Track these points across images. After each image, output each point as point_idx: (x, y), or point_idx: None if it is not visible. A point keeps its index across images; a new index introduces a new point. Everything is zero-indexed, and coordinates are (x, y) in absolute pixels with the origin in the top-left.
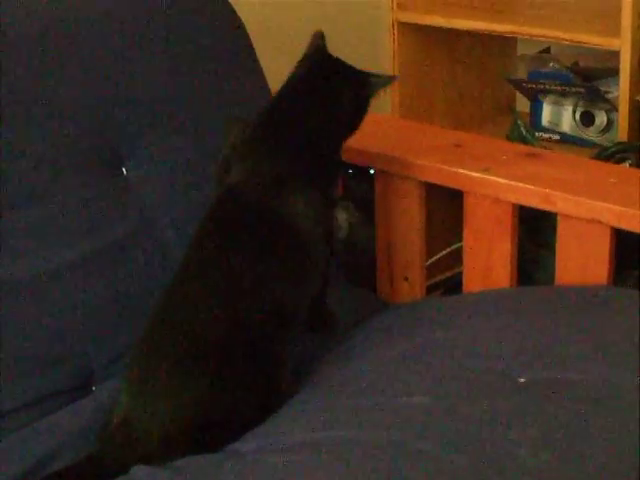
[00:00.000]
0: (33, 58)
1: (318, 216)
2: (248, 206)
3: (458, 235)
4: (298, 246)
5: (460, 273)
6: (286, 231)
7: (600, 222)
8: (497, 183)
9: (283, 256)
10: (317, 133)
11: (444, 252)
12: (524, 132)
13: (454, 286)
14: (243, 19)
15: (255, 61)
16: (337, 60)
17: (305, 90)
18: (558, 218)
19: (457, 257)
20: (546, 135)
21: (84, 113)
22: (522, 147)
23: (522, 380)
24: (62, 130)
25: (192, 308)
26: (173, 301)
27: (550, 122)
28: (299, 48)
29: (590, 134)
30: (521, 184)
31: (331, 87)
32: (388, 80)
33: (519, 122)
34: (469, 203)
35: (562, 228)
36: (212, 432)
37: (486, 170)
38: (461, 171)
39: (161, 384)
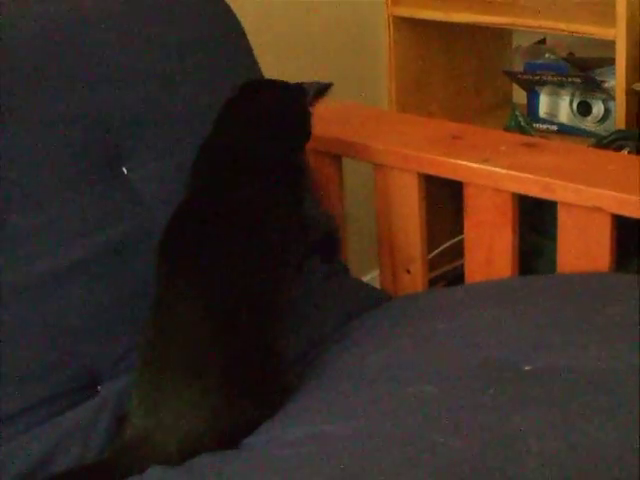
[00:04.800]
0: (31, 59)
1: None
2: (207, 212)
3: (460, 228)
4: (266, 236)
5: (462, 265)
6: (251, 222)
7: (600, 209)
8: (497, 173)
9: (256, 250)
10: (267, 138)
11: (446, 245)
12: (522, 122)
13: (456, 278)
14: (238, 16)
15: (252, 58)
16: (269, 79)
17: (247, 102)
18: (558, 207)
19: (459, 250)
20: (544, 126)
21: (83, 113)
22: (521, 137)
23: (527, 368)
24: (61, 131)
25: (184, 314)
26: (166, 309)
27: (547, 113)
28: (293, 44)
29: (587, 124)
30: (521, 173)
31: (269, 95)
32: (323, 86)
33: (517, 113)
34: (469, 194)
35: (562, 216)
36: (227, 432)
37: (485, 161)
38: (460, 162)
39: (173, 393)
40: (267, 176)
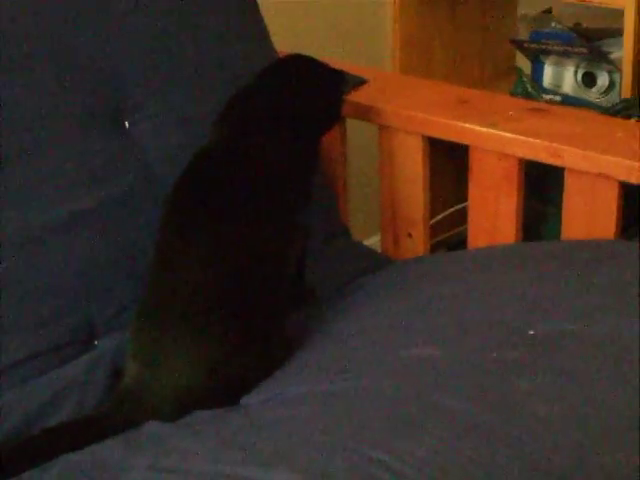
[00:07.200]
0: (34, 10)
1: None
2: (227, 165)
3: (462, 196)
4: (276, 203)
5: (464, 231)
6: (264, 188)
7: (607, 176)
8: (503, 137)
9: (264, 211)
10: (298, 108)
11: (449, 211)
12: (529, 88)
13: (457, 245)
14: None
15: (261, 23)
16: (315, 58)
17: (282, 74)
18: (565, 172)
19: (461, 217)
20: (547, 96)
21: (86, 66)
22: (528, 102)
23: (531, 332)
24: (63, 83)
25: (186, 267)
26: (166, 262)
27: (551, 83)
28: (296, 4)
29: (592, 95)
30: (528, 138)
31: (306, 73)
32: (359, 80)
33: (524, 78)
34: (475, 158)
35: (569, 183)
36: (224, 388)
37: (492, 125)
38: (467, 126)
39: (170, 346)
40: (288, 142)
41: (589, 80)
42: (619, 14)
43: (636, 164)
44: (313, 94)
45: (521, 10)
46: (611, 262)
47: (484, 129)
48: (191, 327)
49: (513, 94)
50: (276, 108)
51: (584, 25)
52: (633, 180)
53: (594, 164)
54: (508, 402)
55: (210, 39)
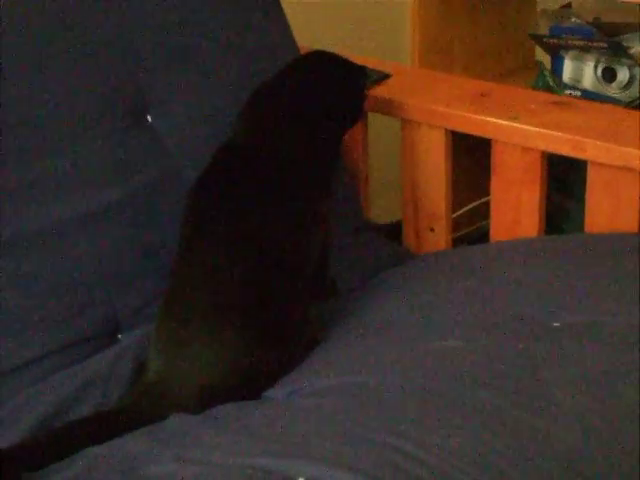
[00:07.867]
0: (53, 2)
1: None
2: (250, 159)
3: (484, 190)
4: (298, 197)
5: (486, 225)
6: (287, 183)
7: (631, 169)
8: (526, 131)
9: (286, 205)
10: (320, 104)
11: (471, 205)
12: (551, 82)
13: (480, 238)
14: None
15: (281, 13)
16: (337, 54)
17: (305, 70)
18: (588, 166)
19: (481, 212)
20: (567, 92)
21: (108, 60)
22: (550, 95)
23: (556, 324)
24: (85, 78)
25: (210, 261)
26: (189, 256)
27: (571, 78)
28: (320, 7)
29: (612, 90)
30: (551, 131)
31: (328, 69)
32: (381, 75)
33: (545, 72)
34: (497, 152)
35: (592, 176)
36: (248, 381)
37: (515, 118)
38: (489, 119)
39: (194, 340)
40: (310, 138)
41: (609, 75)
42: (639, 9)
43: None
44: (335, 90)
45: (541, 5)
46: (634, 255)
47: (506, 122)
48: (214, 320)
49: (535, 88)
50: (298, 104)
51: (604, 20)
52: None
53: (617, 157)
54: (534, 394)
55: (232, 34)
